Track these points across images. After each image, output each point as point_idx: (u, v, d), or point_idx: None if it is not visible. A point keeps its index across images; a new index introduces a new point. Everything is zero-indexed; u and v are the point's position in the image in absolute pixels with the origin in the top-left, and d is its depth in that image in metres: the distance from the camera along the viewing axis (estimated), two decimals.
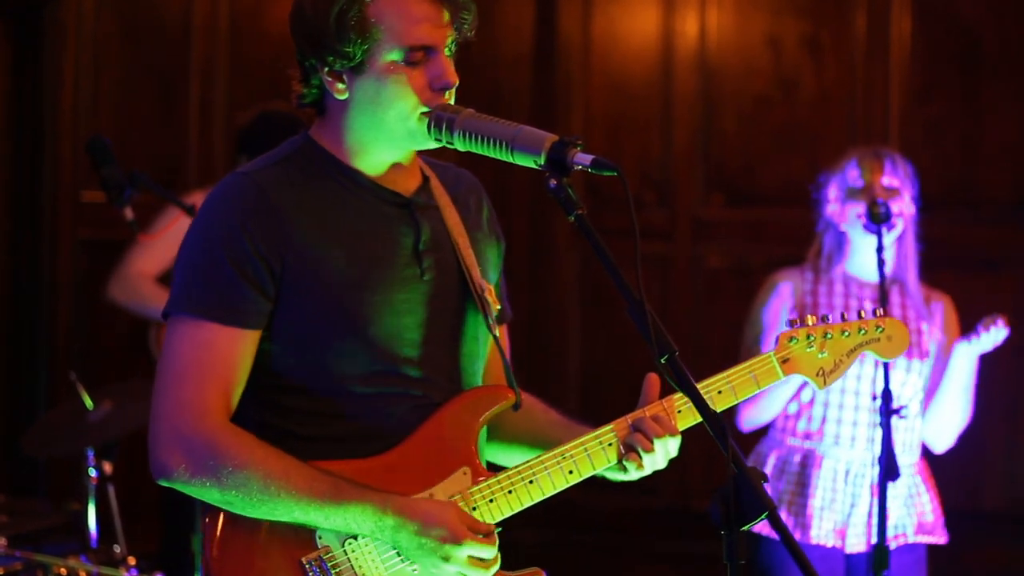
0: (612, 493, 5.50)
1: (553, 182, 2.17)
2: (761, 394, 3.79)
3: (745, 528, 2.02)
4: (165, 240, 4.36)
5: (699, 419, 2.35)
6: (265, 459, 2.25)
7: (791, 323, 2.54)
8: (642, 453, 2.37)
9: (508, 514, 2.36)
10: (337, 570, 2.29)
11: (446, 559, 2.27)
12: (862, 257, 3.91)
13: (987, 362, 3.92)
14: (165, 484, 2.28)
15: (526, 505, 2.38)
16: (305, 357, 2.31)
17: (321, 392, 2.32)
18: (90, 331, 6.15)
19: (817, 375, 2.54)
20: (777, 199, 6.04)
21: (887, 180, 3.90)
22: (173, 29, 6.27)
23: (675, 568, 6.00)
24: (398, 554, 2.30)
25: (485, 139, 2.25)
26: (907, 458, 3.88)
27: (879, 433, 3.65)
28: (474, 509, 2.34)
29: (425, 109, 2.30)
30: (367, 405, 2.33)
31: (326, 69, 2.31)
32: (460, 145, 2.29)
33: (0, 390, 6.08)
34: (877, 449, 3.65)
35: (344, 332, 2.31)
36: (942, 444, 4.02)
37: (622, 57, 6.29)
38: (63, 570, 3.88)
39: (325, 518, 2.26)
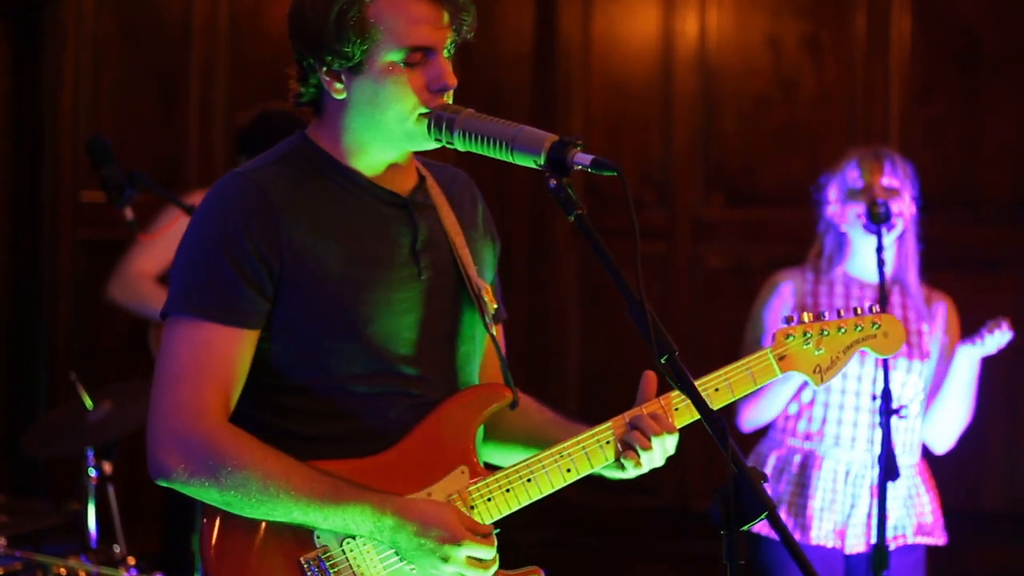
0: (612, 493, 5.51)
1: (553, 182, 2.17)
2: (761, 393, 3.83)
3: (745, 528, 2.02)
4: (165, 240, 4.36)
5: (696, 416, 2.37)
6: (264, 459, 2.25)
7: (787, 320, 2.54)
8: (640, 451, 2.37)
9: (506, 513, 2.37)
10: (335, 570, 2.29)
11: (445, 559, 2.27)
12: (862, 258, 3.91)
13: (987, 362, 3.92)
14: (164, 484, 2.27)
15: (524, 504, 2.38)
16: (303, 357, 2.31)
17: (319, 392, 2.32)
18: (90, 331, 6.15)
19: (814, 372, 2.55)
20: (777, 199, 6.04)
21: (887, 181, 3.90)
22: (173, 29, 6.27)
23: (675, 568, 6.00)
24: (396, 554, 2.31)
25: (485, 139, 2.25)
26: (907, 459, 3.88)
27: (879, 433, 3.65)
28: (472, 508, 2.34)
29: (423, 110, 2.30)
30: (365, 404, 2.33)
31: (324, 68, 2.31)
32: (460, 145, 2.29)
33: (0, 390, 6.09)
34: (877, 449, 3.65)
35: (342, 331, 2.31)
36: (943, 445, 4.02)
37: (622, 57, 6.29)
38: (63, 570, 3.88)
39: (324, 518, 2.26)
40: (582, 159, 2.15)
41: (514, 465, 2.38)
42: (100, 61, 6.21)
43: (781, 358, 2.52)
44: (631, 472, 2.41)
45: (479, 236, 2.53)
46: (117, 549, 4.22)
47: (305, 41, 2.31)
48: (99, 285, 4.72)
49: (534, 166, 2.21)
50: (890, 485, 3.73)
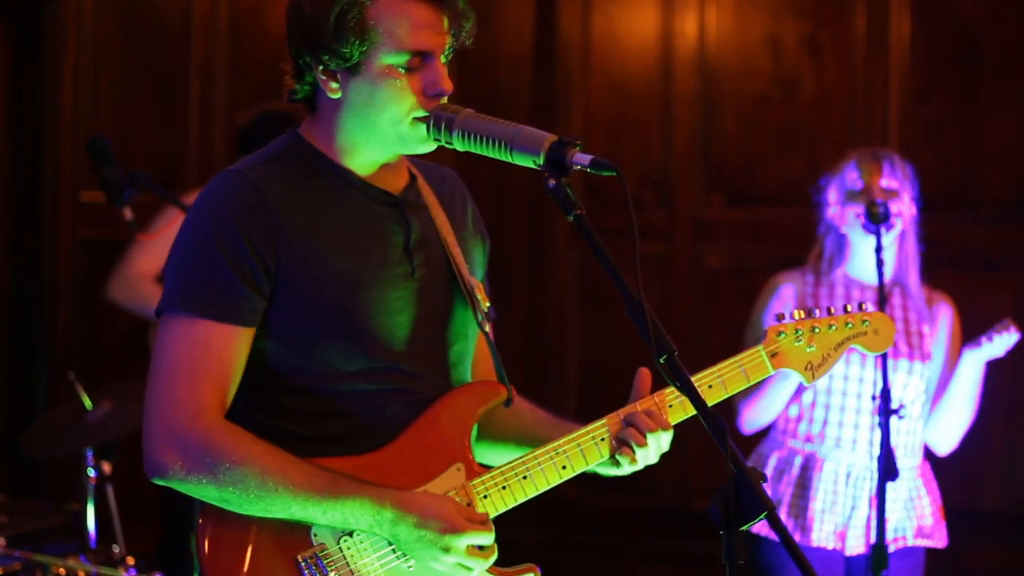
0: (612, 493, 5.51)
1: (552, 182, 2.18)
2: (760, 394, 3.83)
3: (744, 528, 2.03)
4: (165, 240, 4.33)
5: (690, 413, 2.41)
6: (262, 455, 2.25)
7: (778, 317, 2.56)
8: (635, 447, 2.38)
9: (502, 510, 2.37)
10: (333, 567, 2.29)
11: (446, 550, 2.27)
12: (863, 259, 3.91)
13: (988, 363, 3.92)
14: (160, 483, 2.27)
15: (520, 501, 2.38)
16: (299, 355, 2.31)
17: (315, 390, 2.32)
18: (90, 331, 6.15)
19: (806, 369, 2.57)
20: (777, 199, 6.04)
21: (886, 182, 3.90)
22: (173, 29, 6.27)
23: (675, 568, 6.00)
24: (394, 551, 2.31)
25: (484, 139, 2.25)
26: (909, 461, 3.88)
27: (879, 434, 3.64)
28: (468, 505, 2.35)
29: (418, 114, 2.30)
30: (361, 402, 2.34)
31: (321, 67, 2.32)
32: (459, 145, 2.29)
33: (0, 390, 6.09)
34: (877, 450, 3.65)
35: (338, 330, 2.31)
36: (946, 447, 4.02)
37: (622, 57, 6.29)
38: (62, 570, 3.88)
39: (323, 513, 2.26)
40: (581, 159, 2.15)
41: (510, 462, 2.39)
42: (100, 61, 6.21)
43: (773, 355, 2.54)
44: (626, 469, 2.42)
45: (469, 235, 2.54)
46: (116, 549, 4.22)
47: (303, 39, 2.31)
48: (99, 285, 4.72)
49: (533, 166, 2.21)
50: (890, 487, 3.73)
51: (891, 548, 3.83)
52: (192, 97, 6.26)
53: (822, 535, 3.85)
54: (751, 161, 6.13)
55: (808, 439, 3.91)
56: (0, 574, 3.80)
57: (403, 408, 2.37)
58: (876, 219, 3.76)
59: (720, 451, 2.02)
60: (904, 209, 3.91)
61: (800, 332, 2.55)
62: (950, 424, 3.96)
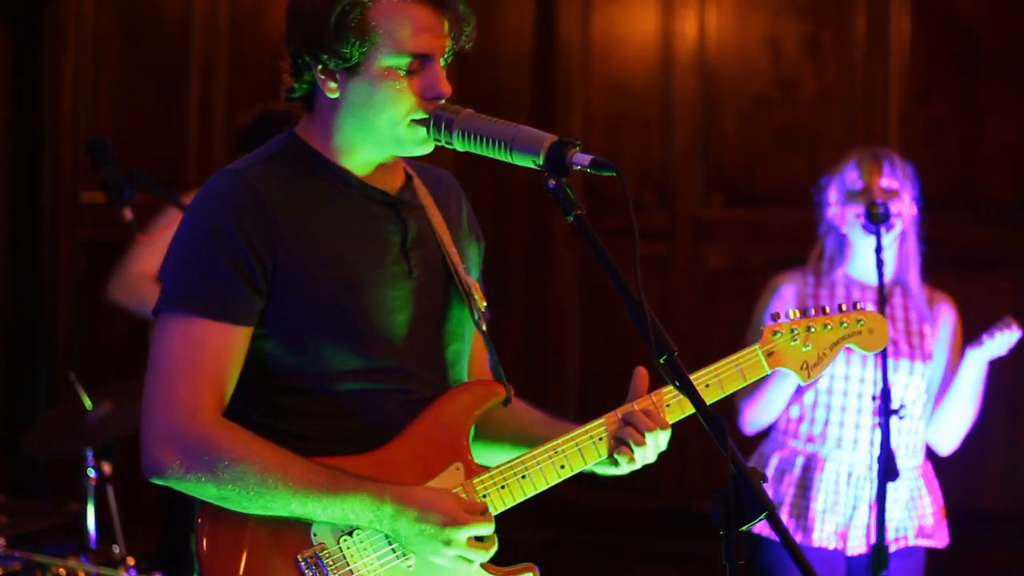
0: (612, 493, 5.51)
1: (552, 182, 2.18)
2: (760, 394, 3.83)
3: (744, 528, 2.03)
4: (165, 240, 4.29)
5: (687, 413, 2.42)
6: (261, 452, 2.25)
7: (774, 317, 2.57)
8: (633, 447, 2.39)
9: (501, 509, 2.37)
10: (333, 567, 2.29)
11: (447, 543, 2.28)
12: (863, 260, 3.91)
13: (990, 362, 3.92)
14: (159, 482, 2.27)
15: (519, 500, 2.39)
16: (297, 355, 2.31)
17: (313, 390, 2.32)
18: (90, 331, 6.15)
19: (801, 368, 2.58)
20: (777, 199, 6.04)
21: (886, 182, 3.90)
22: (173, 29, 6.27)
23: (675, 568, 6.00)
24: (393, 550, 2.31)
25: (484, 139, 2.26)
26: (910, 461, 3.88)
27: (879, 434, 3.65)
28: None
29: (416, 116, 2.31)
30: (359, 402, 2.34)
31: (320, 67, 2.32)
32: (459, 145, 2.30)
33: (0, 390, 6.09)
34: (878, 450, 3.65)
35: (336, 329, 2.31)
36: (948, 446, 4.02)
37: (622, 57, 6.29)
38: (62, 570, 3.88)
39: (323, 509, 2.26)
40: (581, 159, 2.16)
41: (508, 462, 2.39)
42: (100, 61, 6.21)
43: (770, 354, 2.55)
44: (624, 468, 2.43)
45: (465, 235, 2.54)
46: (116, 549, 4.22)
47: (303, 38, 2.31)
48: (99, 285, 4.72)
49: (533, 166, 2.22)
50: (892, 487, 3.73)
51: (892, 548, 3.83)
52: (192, 97, 6.26)
53: (823, 535, 3.85)
54: (751, 161, 6.13)
55: (809, 439, 3.91)
56: (0, 574, 3.80)
57: (401, 407, 2.37)
58: (876, 219, 3.76)
59: (720, 451, 2.02)
60: (904, 209, 3.91)
61: (796, 332, 2.57)
62: (952, 424, 3.96)
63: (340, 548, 2.30)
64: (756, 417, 3.93)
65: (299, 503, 2.25)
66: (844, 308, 2.63)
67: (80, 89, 6.16)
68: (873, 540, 3.67)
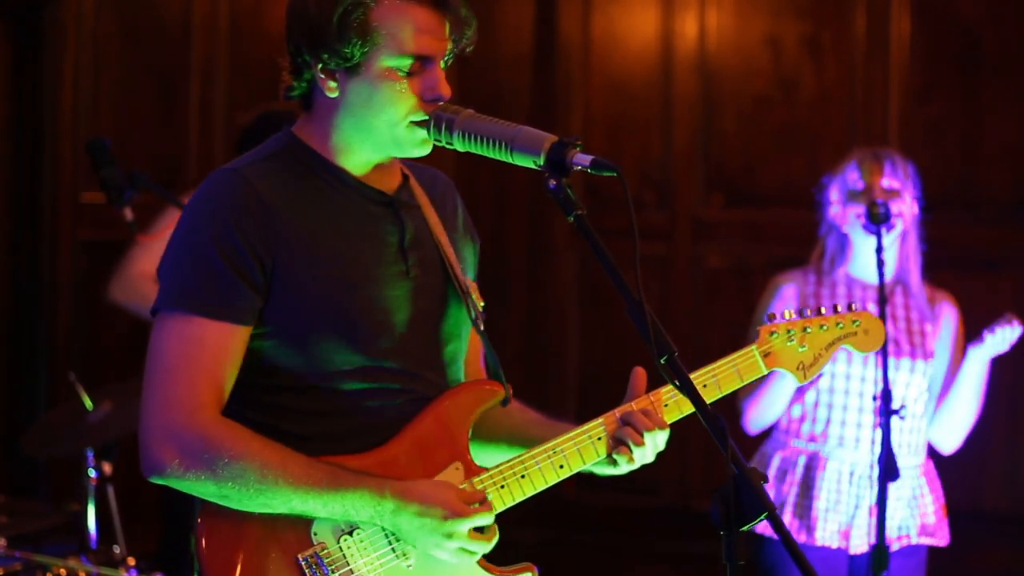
0: (612, 492, 5.51)
1: (552, 183, 2.18)
2: (762, 392, 3.84)
3: (745, 529, 2.03)
4: (165, 240, 4.33)
5: (685, 413, 2.43)
6: (261, 449, 2.25)
7: (770, 317, 2.57)
8: (632, 447, 2.40)
9: (500, 509, 2.38)
10: (333, 567, 2.29)
11: (449, 536, 2.28)
12: (864, 259, 3.91)
13: (991, 361, 3.92)
14: (158, 481, 2.27)
15: (518, 500, 2.39)
16: (296, 354, 2.31)
17: (312, 389, 2.32)
18: (90, 331, 6.15)
19: (797, 369, 2.59)
20: (777, 199, 6.04)
21: (887, 182, 3.90)
22: (173, 29, 6.27)
23: (675, 568, 6.00)
24: (393, 550, 2.32)
25: (485, 140, 2.26)
26: (912, 459, 3.89)
27: (880, 434, 3.65)
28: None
29: (415, 118, 2.31)
30: (358, 401, 2.34)
31: (320, 66, 2.32)
32: (460, 145, 2.30)
33: (0, 390, 6.09)
34: (878, 450, 3.65)
35: (335, 328, 2.31)
36: (951, 445, 4.02)
37: (622, 57, 6.29)
38: (63, 571, 3.88)
39: (323, 505, 2.26)
40: (581, 160, 2.16)
41: (508, 461, 2.40)
42: (100, 61, 6.21)
43: (766, 355, 2.56)
44: (623, 468, 2.43)
45: (460, 236, 2.55)
46: (117, 550, 4.22)
47: (304, 36, 2.31)
48: (99, 285, 4.72)
49: (533, 167, 2.22)
50: (894, 486, 3.74)
51: (895, 546, 3.84)
52: (192, 97, 6.26)
53: (826, 534, 3.85)
54: (751, 161, 6.13)
55: (811, 439, 3.91)
56: (1, 575, 3.80)
57: (401, 407, 2.37)
58: (877, 219, 3.76)
59: (720, 451, 2.02)
60: (905, 209, 3.91)
61: (792, 332, 2.58)
62: (954, 422, 3.96)
63: (340, 548, 2.30)
64: (759, 417, 3.93)
65: (299, 500, 2.25)
66: (839, 309, 2.64)
67: (80, 89, 6.16)
68: (874, 540, 3.67)
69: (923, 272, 4.01)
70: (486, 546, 2.33)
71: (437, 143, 2.33)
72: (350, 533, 2.31)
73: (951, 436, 4.00)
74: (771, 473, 3.93)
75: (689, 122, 6.18)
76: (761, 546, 3.88)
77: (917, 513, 3.89)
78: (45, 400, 6.06)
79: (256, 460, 2.23)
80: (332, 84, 2.32)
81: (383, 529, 2.32)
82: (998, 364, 3.97)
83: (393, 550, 2.32)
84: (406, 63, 2.29)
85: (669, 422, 2.44)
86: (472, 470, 2.38)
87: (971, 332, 3.95)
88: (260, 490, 2.23)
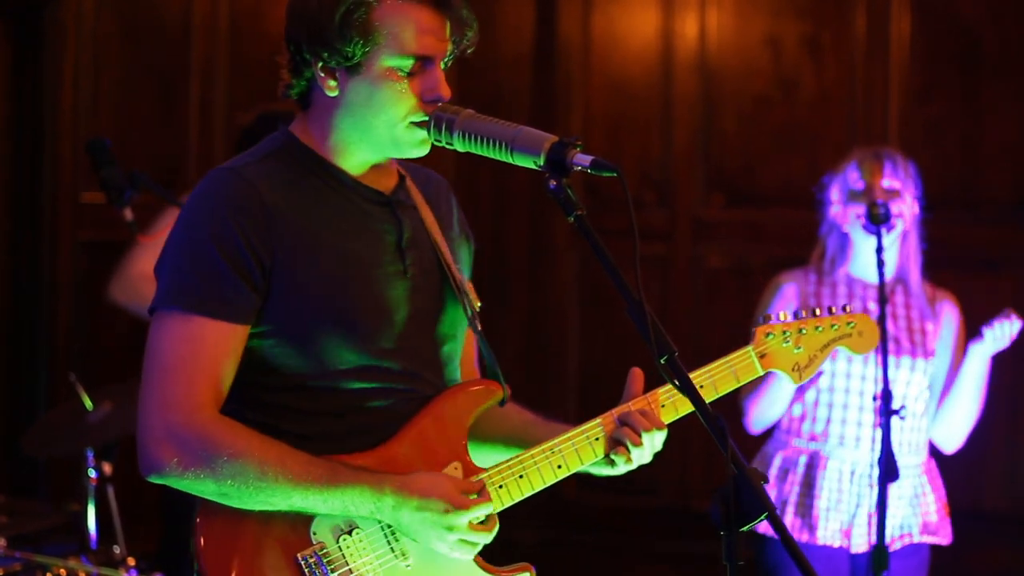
0: (612, 493, 5.51)
1: (553, 183, 2.18)
2: (762, 392, 3.84)
3: (745, 529, 2.03)
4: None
5: (682, 413, 2.45)
6: (260, 446, 2.25)
7: (765, 318, 2.59)
8: (630, 447, 2.40)
9: (499, 509, 2.38)
10: (332, 566, 2.29)
11: (449, 528, 2.28)
12: (865, 259, 3.91)
13: (992, 360, 3.92)
14: (156, 481, 2.26)
15: (516, 500, 2.39)
16: (294, 354, 2.31)
17: (311, 389, 2.32)
18: (90, 331, 6.15)
19: (793, 370, 2.61)
20: (777, 199, 6.04)
21: (887, 182, 3.91)
22: (173, 29, 6.27)
23: (675, 568, 6.00)
24: (392, 550, 2.32)
25: (485, 140, 2.26)
26: (914, 458, 3.89)
27: (880, 434, 3.65)
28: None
29: (414, 118, 2.31)
30: (358, 401, 2.34)
31: (320, 64, 2.31)
32: (460, 146, 2.30)
33: (0, 390, 6.09)
34: (878, 450, 3.66)
35: (335, 328, 2.31)
36: (953, 444, 4.02)
37: (622, 57, 6.29)
38: (63, 571, 3.88)
39: (324, 502, 2.26)
40: (581, 160, 2.16)
41: (506, 461, 2.40)
42: (100, 61, 6.21)
43: (762, 356, 2.58)
44: (620, 469, 2.44)
45: (455, 236, 2.56)
46: (117, 550, 4.22)
47: (305, 34, 2.31)
48: (99, 285, 4.72)
49: (534, 167, 2.22)
50: (895, 484, 3.74)
51: (897, 545, 3.84)
52: (192, 97, 6.26)
53: (827, 533, 3.85)
54: (751, 161, 6.14)
55: (812, 438, 3.91)
56: (1, 574, 3.80)
57: (400, 406, 2.37)
58: (877, 220, 3.76)
59: (720, 451, 2.02)
60: (905, 209, 3.91)
61: (788, 333, 2.60)
62: (956, 421, 3.96)
63: (339, 547, 2.30)
64: (760, 415, 3.93)
65: (300, 496, 2.25)
66: (834, 311, 2.65)
67: (80, 89, 6.16)
68: (876, 539, 3.67)
69: (923, 272, 4.01)
70: (487, 536, 2.33)
71: (437, 143, 2.33)
72: (349, 533, 2.31)
73: (953, 435, 4.00)
74: (773, 473, 3.93)
75: (689, 122, 6.18)
76: (763, 546, 3.89)
77: (919, 512, 3.89)
78: (45, 400, 6.06)
79: (255, 457, 2.23)
80: (332, 83, 2.32)
81: (382, 529, 2.33)
82: (998, 364, 3.97)
83: (392, 550, 2.32)
84: (407, 63, 2.29)
85: (666, 423, 2.44)
86: (470, 470, 2.39)
87: (971, 332, 3.95)
88: (260, 487, 2.23)
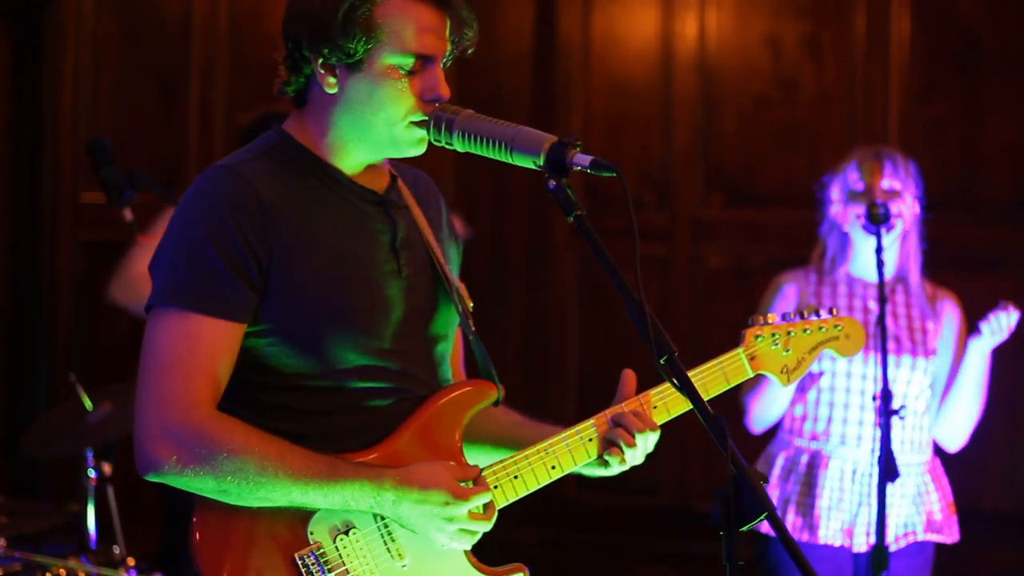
0: (612, 493, 5.51)
1: (552, 183, 2.18)
2: (762, 391, 3.85)
3: (745, 529, 2.03)
4: None
5: (673, 415, 2.47)
6: (259, 442, 2.25)
7: (753, 320, 2.60)
8: (624, 447, 2.41)
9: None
10: (329, 566, 2.29)
11: (449, 519, 2.29)
12: (865, 258, 3.91)
13: (992, 359, 3.92)
14: (154, 479, 2.26)
15: (511, 500, 2.40)
16: (292, 353, 2.31)
17: (308, 388, 2.32)
18: (90, 331, 6.15)
19: (781, 372, 2.64)
20: (777, 199, 6.04)
21: (887, 183, 3.91)
22: (173, 29, 6.27)
23: (675, 568, 6.00)
24: (388, 550, 2.32)
25: (484, 140, 2.26)
26: (916, 456, 3.89)
27: (879, 434, 3.65)
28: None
29: (414, 117, 2.31)
30: (354, 400, 2.35)
31: (320, 61, 2.31)
32: (459, 146, 2.30)
33: (0, 390, 6.09)
34: (879, 449, 3.66)
35: (332, 328, 2.31)
36: (956, 442, 4.02)
37: (622, 57, 6.30)
38: (63, 571, 3.89)
39: (324, 497, 2.26)
40: (581, 160, 2.16)
41: (501, 462, 2.40)
42: (100, 61, 6.21)
43: (752, 358, 2.60)
44: (614, 469, 2.45)
45: (445, 237, 2.56)
46: (117, 550, 4.22)
47: (306, 30, 2.30)
48: (99, 286, 4.72)
49: (533, 167, 2.22)
50: (899, 482, 3.75)
51: (901, 543, 3.84)
52: (192, 97, 6.26)
53: (829, 532, 3.85)
54: (751, 161, 6.14)
55: (814, 437, 3.91)
56: (0, 575, 3.80)
57: (395, 406, 2.38)
58: (876, 220, 3.77)
59: (720, 451, 2.03)
60: (905, 210, 3.91)
61: (776, 336, 2.63)
62: (958, 419, 3.96)
63: (336, 547, 2.30)
64: (761, 414, 3.94)
65: (300, 492, 2.25)
66: (822, 313, 2.68)
67: (80, 89, 6.16)
68: (879, 538, 3.67)
69: (924, 271, 4.01)
70: (486, 525, 2.34)
71: (437, 143, 2.33)
72: (346, 533, 2.31)
73: (955, 433, 4.00)
74: (775, 473, 3.93)
75: (689, 122, 6.18)
76: (765, 546, 3.89)
77: (923, 510, 3.89)
78: (45, 400, 6.06)
79: (256, 453, 2.23)
80: (331, 80, 2.32)
81: (378, 529, 2.33)
82: (998, 364, 3.97)
83: (388, 550, 2.32)
84: (408, 61, 2.29)
85: (658, 424, 2.45)
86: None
87: (972, 332, 3.94)
88: (260, 483, 2.23)
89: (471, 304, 2.50)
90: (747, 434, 4.05)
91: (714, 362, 2.55)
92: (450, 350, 2.51)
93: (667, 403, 2.47)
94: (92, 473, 4.25)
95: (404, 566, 2.33)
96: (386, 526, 2.33)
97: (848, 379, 3.88)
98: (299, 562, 2.27)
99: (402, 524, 2.31)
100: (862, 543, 3.84)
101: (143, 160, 5.63)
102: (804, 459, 3.92)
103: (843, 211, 3.94)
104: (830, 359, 3.73)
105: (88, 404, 4.25)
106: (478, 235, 5.59)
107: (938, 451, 4.02)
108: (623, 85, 6.29)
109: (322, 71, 2.32)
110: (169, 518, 4.60)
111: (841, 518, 3.86)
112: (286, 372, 2.31)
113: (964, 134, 5.83)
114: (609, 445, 2.42)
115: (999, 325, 3.83)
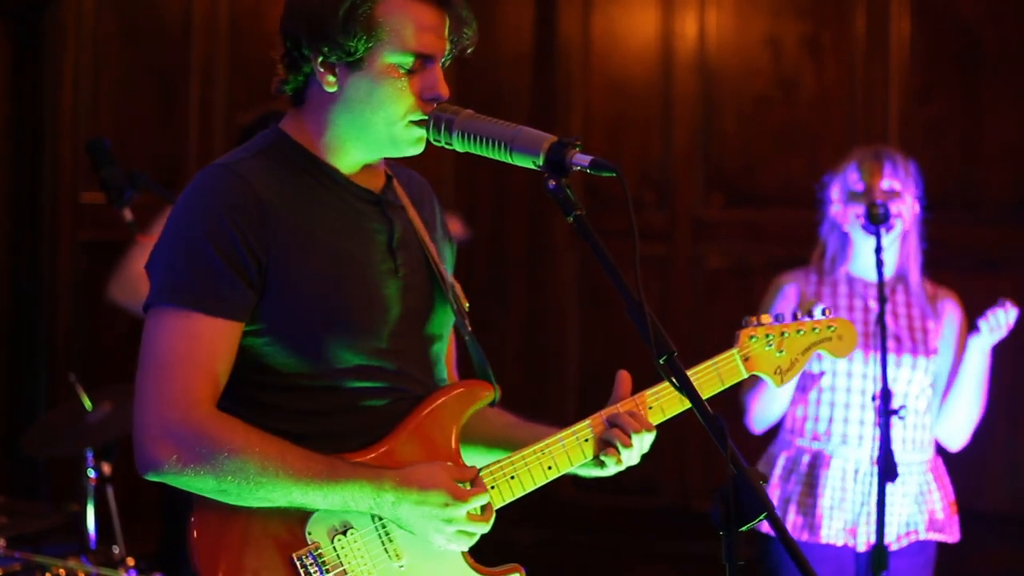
0: (611, 493, 5.51)
1: (552, 183, 2.19)
2: (761, 391, 3.85)
3: (745, 529, 2.03)
4: None
5: (668, 415, 2.48)
6: (260, 442, 2.25)
7: (747, 321, 2.61)
8: (620, 448, 2.41)
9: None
10: (327, 566, 2.29)
11: (448, 521, 2.29)
12: (865, 258, 3.92)
13: (992, 359, 3.92)
14: (154, 478, 2.26)
15: (508, 501, 2.40)
16: (290, 353, 2.31)
17: (306, 388, 2.32)
18: (90, 331, 6.15)
19: (775, 373, 2.65)
20: (777, 199, 6.05)
21: (887, 183, 3.91)
22: (173, 29, 6.27)
23: (675, 568, 6.00)
24: (385, 551, 2.32)
25: (484, 140, 2.26)
26: (918, 455, 3.89)
27: (879, 433, 3.66)
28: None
29: (413, 117, 2.31)
30: (352, 400, 2.35)
31: (320, 59, 2.31)
32: (459, 146, 2.30)
33: (0, 390, 6.09)
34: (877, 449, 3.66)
35: (330, 328, 2.31)
36: (957, 441, 4.02)
37: (622, 57, 6.30)
38: (62, 571, 3.88)
39: (323, 497, 2.26)
40: (581, 160, 2.16)
41: (497, 462, 2.41)
42: (100, 61, 6.21)
43: (746, 359, 2.60)
44: (610, 470, 2.46)
45: (439, 237, 2.56)
46: (116, 550, 4.22)
47: (306, 28, 2.30)
48: (99, 286, 4.72)
49: (533, 167, 2.22)
50: (900, 481, 3.75)
51: (903, 543, 3.84)
52: (192, 97, 6.26)
53: (831, 532, 3.85)
54: (751, 161, 6.14)
55: (815, 437, 3.92)
56: (0, 575, 3.80)
57: (393, 406, 2.38)
58: (876, 220, 3.77)
59: (720, 451, 2.03)
60: (905, 210, 3.91)
61: (770, 337, 2.64)
62: (959, 417, 3.96)
63: (334, 547, 2.30)
64: (761, 413, 3.94)
65: (300, 492, 2.25)
66: (815, 315, 2.69)
67: (80, 89, 6.16)
68: (882, 537, 3.67)
69: (924, 271, 4.01)
70: (484, 527, 2.34)
71: (436, 143, 2.33)
72: (344, 533, 2.31)
73: (956, 432, 4.00)
74: (777, 473, 3.93)
75: (689, 122, 6.18)
76: (767, 546, 3.89)
77: (925, 509, 3.89)
78: (45, 400, 6.06)
79: (256, 453, 2.23)
80: (331, 78, 2.32)
81: (376, 529, 2.33)
82: (999, 364, 3.97)
83: (386, 551, 2.33)
84: (408, 60, 2.29)
85: (654, 424, 2.45)
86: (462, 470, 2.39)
87: (972, 332, 3.95)
88: (260, 483, 2.23)
89: (467, 304, 2.50)
90: (747, 434, 4.05)
91: (709, 363, 2.56)
92: (445, 350, 2.51)
93: (662, 404, 2.48)
94: (92, 473, 4.25)
95: (402, 566, 2.33)
96: (384, 527, 2.33)
97: (849, 379, 3.88)
98: (297, 562, 2.27)
99: (400, 525, 2.31)
100: (865, 542, 3.84)
101: (143, 160, 5.63)
102: (806, 459, 3.92)
103: (843, 211, 3.94)
104: (830, 360, 3.73)
105: (88, 404, 4.25)
106: (478, 235, 5.59)
107: (940, 450, 4.02)
108: (623, 85, 6.29)
109: (321, 69, 2.32)
110: (169, 518, 4.60)
111: (843, 518, 3.86)
112: (284, 372, 2.31)
113: (964, 134, 5.83)
114: (605, 445, 2.43)
115: (998, 322, 3.83)
